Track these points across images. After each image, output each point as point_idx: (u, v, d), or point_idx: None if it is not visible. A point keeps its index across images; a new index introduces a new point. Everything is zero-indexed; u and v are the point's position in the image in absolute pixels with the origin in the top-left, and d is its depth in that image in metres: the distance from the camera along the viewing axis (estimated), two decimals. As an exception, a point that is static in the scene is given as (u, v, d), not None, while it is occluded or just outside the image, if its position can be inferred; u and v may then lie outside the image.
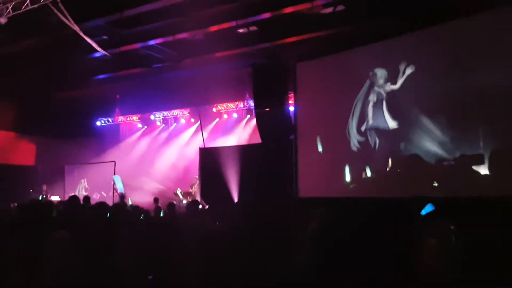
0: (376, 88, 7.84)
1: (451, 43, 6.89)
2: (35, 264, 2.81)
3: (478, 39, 6.52)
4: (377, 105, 7.83)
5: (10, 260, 3.17)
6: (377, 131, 7.83)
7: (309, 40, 8.93)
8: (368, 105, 7.96)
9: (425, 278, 2.88)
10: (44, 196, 13.03)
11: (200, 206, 9.07)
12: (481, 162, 6.38)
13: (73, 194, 10.91)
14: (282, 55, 9.49)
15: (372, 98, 7.89)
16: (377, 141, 7.81)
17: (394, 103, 7.59)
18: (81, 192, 13.81)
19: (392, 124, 7.60)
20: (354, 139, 8.10)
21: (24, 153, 14.37)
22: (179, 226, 4.75)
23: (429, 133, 7.02)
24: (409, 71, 7.40)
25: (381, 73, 7.72)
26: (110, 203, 6.03)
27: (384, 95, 7.72)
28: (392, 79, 7.59)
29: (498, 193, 5.90)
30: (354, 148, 8.09)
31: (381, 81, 7.73)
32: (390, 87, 7.63)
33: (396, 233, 3.54)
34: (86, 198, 8.67)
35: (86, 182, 14.36)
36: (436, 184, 6.82)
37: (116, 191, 11.37)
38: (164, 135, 14.69)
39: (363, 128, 8.03)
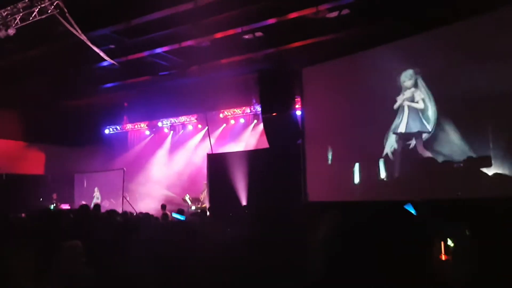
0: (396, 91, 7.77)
1: (457, 43, 6.86)
2: (47, 273, 2.82)
3: (486, 39, 6.48)
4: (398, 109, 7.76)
5: (22, 269, 3.19)
6: (392, 134, 7.78)
7: (315, 44, 8.92)
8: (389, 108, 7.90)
9: (439, 281, 2.85)
10: (55, 205, 13.12)
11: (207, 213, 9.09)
12: (489, 164, 6.34)
13: (84, 202, 10.98)
14: (288, 60, 9.50)
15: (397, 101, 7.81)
16: (393, 144, 7.75)
17: (408, 107, 7.54)
18: (96, 200, 13.89)
19: (405, 127, 7.56)
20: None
21: (33, 162, 14.49)
22: (189, 232, 4.74)
23: (441, 135, 6.98)
24: (418, 73, 7.37)
25: (403, 77, 7.63)
26: (119, 211, 6.07)
27: (402, 99, 7.66)
28: (408, 83, 7.55)
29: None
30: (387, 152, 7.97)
31: (404, 85, 7.64)
32: (407, 91, 7.57)
33: (409, 236, 3.51)
34: (96, 206, 8.73)
35: (98, 190, 14.48)
36: (448, 187, 6.76)
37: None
38: (172, 141, 14.75)
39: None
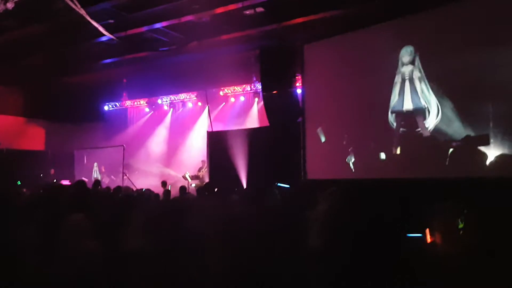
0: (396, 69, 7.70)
1: (459, 22, 6.79)
2: (51, 247, 2.86)
3: (487, 18, 6.41)
4: (396, 86, 7.71)
5: (25, 244, 3.23)
6: (393, 112, 7.76)
7: (317, 21, 8.78)
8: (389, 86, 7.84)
9: (435, 261, 2.90)
10: (54, 181, 13.20)
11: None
12: (487, 143, 6.36)
13: (83, 178, 11.05)
14: (290, 37, 9.38)
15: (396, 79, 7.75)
16: (393, 122, 7.74)
17: (409, 84, 7.50)
18: (96, 175, 13.97)
19: (407, 106, 7.54)
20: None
21: (33, 138, 14.50)
22: (190, 209, 4.79)
23: (440, 114, 6.97)
24: (417, 51, 7.31)
25: (402, 53, 7.56)
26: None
27: (402, 76, 7.60)
28: (407, 59, 7.49)
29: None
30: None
31: (403, 61, 7.57)
32: (406, 68, 7.52)
33: (406, 215, 3.54)
34: (96, 182, 8.80)
35: (97, 166, 14.55)
36: (447, 165, 6.80)
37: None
38: (172, 119, 14.72)
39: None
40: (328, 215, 4.02)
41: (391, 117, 7.72)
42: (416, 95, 7.36)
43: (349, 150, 8.28)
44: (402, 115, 7.60)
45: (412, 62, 7.39)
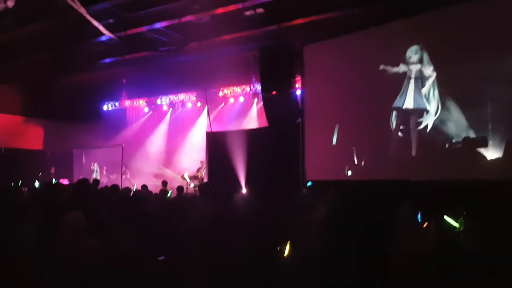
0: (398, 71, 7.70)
1: (460, 24, 6.80)
2: (50, 244, 2.86)
3: (489, 21, 6.42)
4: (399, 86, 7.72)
5: (24, 241, 3.23)
6: (393, 110, 7.76)
7: (317, 22, 8.80)
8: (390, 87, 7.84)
9: (430, 260, 2.90)
10: (54, 179, 13.18)
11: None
12: (485, 145, 6.37)
13: (82, 177, 11.02)
14: (290, 38, 9.39)
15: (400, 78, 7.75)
16: (396, 122, 7.74)
17: (413, 84, 7.51)
18: (95, 175, 13.95)
19: (408, 105, 7.54)
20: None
21: (32, 137, 14.49)
22: (188, 208, 4.79)
23: (443, 114, 6.98)
24: (422, 52, 7.32)
25: (408, 52, 7.55)
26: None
27: (406, 75, 7.60)
28: (411, 58, 7.49)
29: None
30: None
31: (408, 60, 7.57)
32: (409, 67, 7.53)
33: (405, 215, 3.55)
34: (95, 181, 8.78)
35: (97, 166, 14.53)
36: (448, 167, 6.80)
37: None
38: (171, 119, 14.71)
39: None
40: (327, 217, 4.02)
41: (393, 116, 7.71)
42: (419, 95, 7.35)
43: (349, 151, 8.28)
44: (403, 114, 7.59)
45: (418, 62, 7.38)
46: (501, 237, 2.84)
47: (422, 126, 7.30)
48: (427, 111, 7.23)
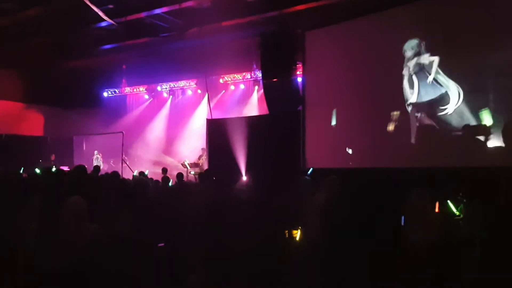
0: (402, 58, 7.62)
1: (462, 14, 6.74)
2: (51, 229, 2.87)
3: (493, 11, 6.36)
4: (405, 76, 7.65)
5: (25, 226, 3.24)
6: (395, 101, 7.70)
7: (319, 7, 8.70)
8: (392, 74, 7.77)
9: (427, 247, 2.91)
10: (54, 166, 13.19)
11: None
12: (486, 133, 6.35)
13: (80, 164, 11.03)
14: (291, 24, 9.29)
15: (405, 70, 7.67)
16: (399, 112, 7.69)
17: (413, 74, 7.46)
18: (96, 163, 13.95)
19: (409, 95, 7.49)
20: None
21: (33, 123, 14.47)
22: (188, 195, 4.80)
23: (444, 105, 6.94)
24: (423, 41, 7.25)
25: (407, 45, 7.47)
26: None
27: (408, 66, 7.54)
28: (410, 51, 7.42)
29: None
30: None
31: (409, 53, 7.50)
32: (410, 60, 7.46)
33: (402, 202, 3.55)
34: (96, 168, 8.79)
35: (98, 153, 14.54)
36: (448, 154, 6.79)
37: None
38: (171, 106, 14.67)
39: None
40: (327, 204, 4.03)
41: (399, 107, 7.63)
42: (425, 85, 7.28)
43: (349, 139, 8.27)
44: (410, 106, 7.52)
45: (418, 54, 7.31)
46: (502, 224, 2.85)
47: (427, 116, 7.25)
48: (432, 102, 7.15)
